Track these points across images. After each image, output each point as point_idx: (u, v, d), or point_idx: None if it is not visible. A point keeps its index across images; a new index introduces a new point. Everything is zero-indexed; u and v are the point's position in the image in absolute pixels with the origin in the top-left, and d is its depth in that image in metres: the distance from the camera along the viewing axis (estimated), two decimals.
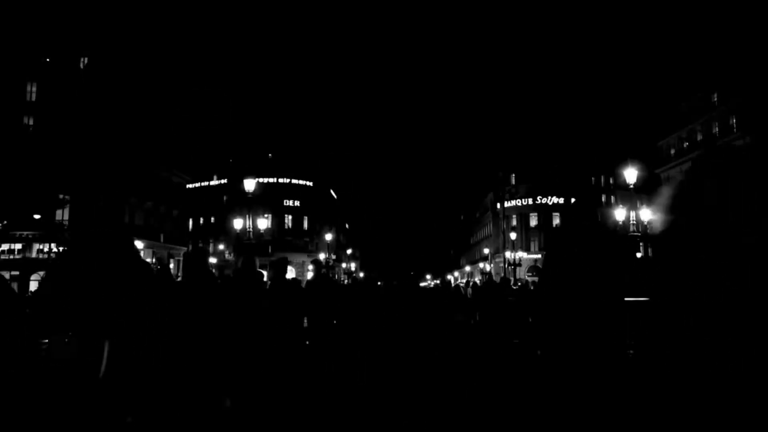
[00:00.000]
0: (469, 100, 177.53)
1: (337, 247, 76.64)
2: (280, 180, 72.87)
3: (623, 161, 26.10)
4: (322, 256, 55.43)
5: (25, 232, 40.66)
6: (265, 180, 65.64)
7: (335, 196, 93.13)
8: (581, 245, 3.62)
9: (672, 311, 3.37)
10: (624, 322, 7.69)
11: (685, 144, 49.54)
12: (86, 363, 3.39)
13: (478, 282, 29.07)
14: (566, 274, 3.55)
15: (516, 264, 45.00)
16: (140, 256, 4.74)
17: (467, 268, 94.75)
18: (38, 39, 42.83)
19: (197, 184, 73.25)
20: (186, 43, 68.53)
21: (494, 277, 57.91)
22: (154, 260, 49.46)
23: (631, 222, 26.09)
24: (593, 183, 75.81)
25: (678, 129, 50.39)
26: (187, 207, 62.24)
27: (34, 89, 43.79)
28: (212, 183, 75.57)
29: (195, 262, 5.89)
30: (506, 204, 76.85)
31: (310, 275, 48.71)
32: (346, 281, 61.40)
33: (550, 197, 74.22)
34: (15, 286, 32.04)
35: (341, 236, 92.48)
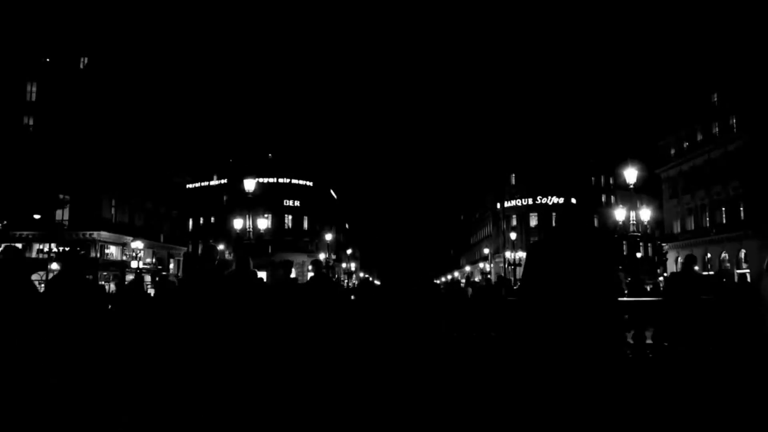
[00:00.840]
0: (469, 100, 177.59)
1: (337, 247, 76.66)
2: (280, 180, 72.88)
3: (623, 161, 26.11)
4: (322, 256, 55.37)
5: (25, 232, 40.66)
6: (265, 180, 65.62)
7: (335, 196, 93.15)
8: (570, 242, 3.60)
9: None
10: (621, 322, 7.67)
11: (685, 144, 49.50)
12: None
13: (477, 281, 29.05)
14: (553, 270, 3.53)
15: (516, 264, 45.01)
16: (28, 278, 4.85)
17: (467, 268, 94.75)
18: (38, 39, 42.83)
19: (197, 184, 73.27)
20: (186, 43, 68.49)
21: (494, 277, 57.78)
22: (154, 260, 49.45)
23: (631, 222, 26.06)
24: (593, 183, 75.86)
25: (678, 129, 50.36)
26: (187, 207, 62.24)
27: (34, 89, 43.79)
28: (212, 183, 75.59)
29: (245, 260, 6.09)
30: (506, 204, 77.04)
31: (310, 275, 48.63)
32: (346, 282, 61.38)
33: (549, 197, 74.25)
34: None
35: (341, 236, 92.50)
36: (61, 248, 40.91)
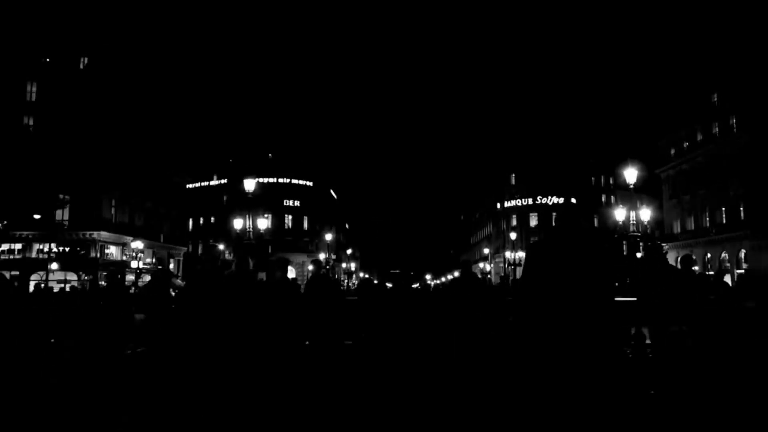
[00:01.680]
0: (470, 100, 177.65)
1: (337, 247, 76.64)
2: (280, 180, 72.87)
3: (623, 161, 26.11)
4: (322, 256, 55.41)
5: (25, 232, 40.66)
6: (265, 180, 65.62)
7: (335, 196, 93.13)
8: (569, 242, 3.60)
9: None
10: (622, 322, 7.68)
11: (685, 144, 49.51)
12: None
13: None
14: (552, 270, 3.53)
15: (516, 264, 45.01)
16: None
17: None
18: (38, 39, 42.83)
19: (197, 184, 73.27)
20: (186, 43, 68.53)
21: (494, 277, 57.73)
22: (154, 260, 49.46)
23: (631, 222, 26.08)
24: (593, 183, 75.86)
25: (678, 129, 50.36)
26: (187, 207, 62.23)
27: (34, 89, 43.79)
28: (212, 183, 75.59)
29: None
30: (506, 204, 77.14)
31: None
32: (346, 281, 61.39)
33: (549, 197, 74.24)
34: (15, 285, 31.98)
35: (341, 236, 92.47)
36: (61, 248, 40.95)
